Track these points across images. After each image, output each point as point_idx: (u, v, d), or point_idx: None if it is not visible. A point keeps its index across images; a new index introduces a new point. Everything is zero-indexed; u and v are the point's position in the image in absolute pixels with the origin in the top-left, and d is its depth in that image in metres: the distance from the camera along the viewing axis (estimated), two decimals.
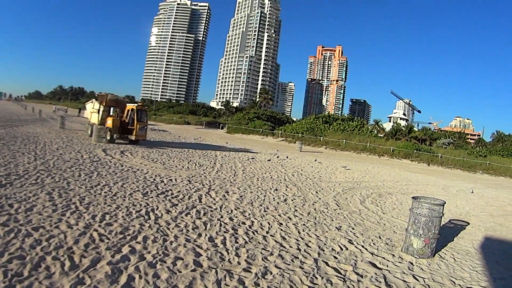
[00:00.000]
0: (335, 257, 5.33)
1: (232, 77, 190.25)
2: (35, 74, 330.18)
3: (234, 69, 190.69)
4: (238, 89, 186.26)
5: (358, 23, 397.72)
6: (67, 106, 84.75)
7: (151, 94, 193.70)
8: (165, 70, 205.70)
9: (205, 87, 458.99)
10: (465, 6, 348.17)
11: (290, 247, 5.54)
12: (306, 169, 16.96)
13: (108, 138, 17.67)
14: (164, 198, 7.62)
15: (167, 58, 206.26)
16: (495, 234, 8.55)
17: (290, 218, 7.29)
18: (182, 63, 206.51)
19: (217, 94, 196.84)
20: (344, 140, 40.93)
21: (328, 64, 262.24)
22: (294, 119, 79.31)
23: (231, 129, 52.08)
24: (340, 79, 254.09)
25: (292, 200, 9.18)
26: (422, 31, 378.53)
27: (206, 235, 5.57)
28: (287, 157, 22.56)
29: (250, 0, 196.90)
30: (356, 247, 5.95)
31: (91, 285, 3.61)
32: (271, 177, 12.77)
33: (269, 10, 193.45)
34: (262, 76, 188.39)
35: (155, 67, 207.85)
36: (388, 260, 5.53)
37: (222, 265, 4.51)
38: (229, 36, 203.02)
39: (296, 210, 8.10)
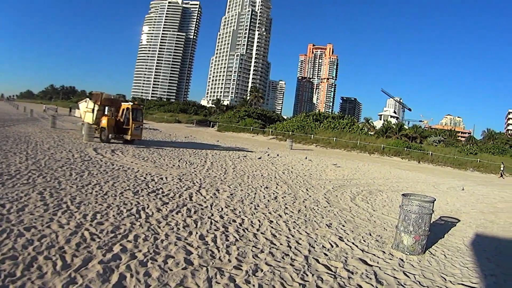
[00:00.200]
0: (326, 254, 5.40)
1: (223, 75, 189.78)
2: (26, 74, 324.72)
3: (225, 67, 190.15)
4: (229, 87, 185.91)
5: (349, 21, 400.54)
6: (57, 105, 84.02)
7: (142, 92, 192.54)
8: (156, 69, 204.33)
9: (196, 86, 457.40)
10: (454, 4, 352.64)
11: (281, 244, 5.59)
12: (296, 167, 17.07)
13: (103, 138, 17.46)
14: (155, 197, 7.62)
15: (158, 57, 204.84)
16: (485, 231, 8.65)
17: (280, 216, 7.35)
18: (173, 61, 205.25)
19: (208, 93, 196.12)
20: (334, 138, 41.22)
21: (319, 63, 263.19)
22: (285, 117, 79.24)
23: (222, 127, 51.99)
24: (331, 77, 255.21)
25: (282, 198, 9.24)
26: (413, 29, 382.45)
27: (196, 233, 5.59)
28: (278, 155, 22.67)
29: None
30: (347, 244, 6.01)
31: (83, 284, 3.63)
32: (262, 175, 12.83)
33: (260, 8, 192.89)
34: (253, 74, 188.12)
35: (146, 65, 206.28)
36: (378, 257, 5.60)
37: (213, 263, 4.54)
38: (220, 34, 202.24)
39: (286, 208, 8.16)
